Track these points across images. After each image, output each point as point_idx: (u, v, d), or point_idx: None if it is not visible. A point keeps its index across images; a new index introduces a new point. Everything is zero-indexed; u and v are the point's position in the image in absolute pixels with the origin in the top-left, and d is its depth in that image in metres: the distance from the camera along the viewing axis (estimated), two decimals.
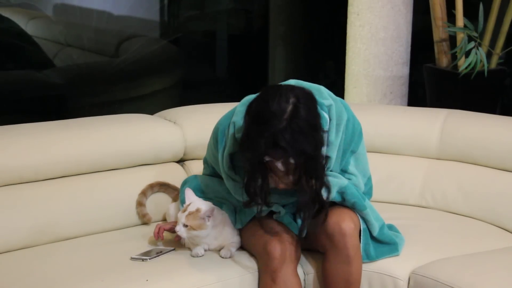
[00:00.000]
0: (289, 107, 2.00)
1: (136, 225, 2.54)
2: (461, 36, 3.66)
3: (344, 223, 2.18)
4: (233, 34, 5.24)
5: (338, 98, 2.28)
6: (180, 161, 2.74)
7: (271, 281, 2.17)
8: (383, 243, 2.30)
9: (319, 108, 2.12)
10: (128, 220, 2.52)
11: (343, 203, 2.25)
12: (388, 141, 2.80)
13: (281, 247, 2.18)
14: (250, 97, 2.19)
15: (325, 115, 2.16)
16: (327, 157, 2.18)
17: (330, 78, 4.79)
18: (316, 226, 2.24)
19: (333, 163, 2.21)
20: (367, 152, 2.78)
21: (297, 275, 2.21)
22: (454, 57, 3.75)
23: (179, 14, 5.36)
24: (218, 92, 4.85)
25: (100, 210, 2.48)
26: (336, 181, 2.21)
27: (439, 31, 3.73)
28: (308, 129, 2.01)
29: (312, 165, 2.05)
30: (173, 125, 2.70)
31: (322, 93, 2.22)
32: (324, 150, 2.15)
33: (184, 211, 2.22)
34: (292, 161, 2.01)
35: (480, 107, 3.00)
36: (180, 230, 2.20)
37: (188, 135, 2.70)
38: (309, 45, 4.97)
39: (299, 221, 2.28)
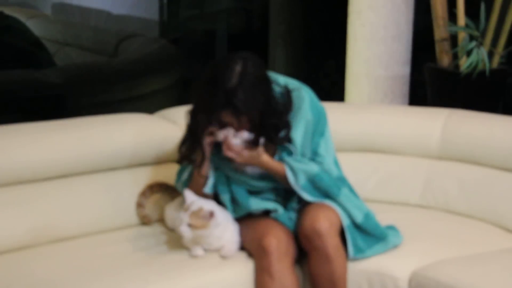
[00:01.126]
0: (238, 66, 2.15)
1: (136, 225, 2.53)
2: (462, 35, 3.66)
3: (318, 223, 2.18)
4: (233, 34, 5.24)
5: (300, 84, 2.36)
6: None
7: (268, 277, 2.17)
8: (370, 233, 2.29)
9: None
10: (128, 220, 2.51)
11: (317, 195, 2.27)
12: (389, 141, 2.80)
13: (276, 242, 2.19)
14: None
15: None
16: (290, 139, 2.27)
17: (331, 78, 4.79)
18: (297, 227, 2.27)
19: (300, 144, 2.26)
20: (368, 151, 2.82)
21: (293, 270, 2.21)
22: (455, 57, 3.75)
23: (179, 14, 5.37)
24: None
25: (99, 210, 2.47)
26: (304, 168, 2.24)
27: (440, 30, 3.73)
28: (258, 83, 2.17)
29: (266, 119, 2.19)
30: (173, 124, 2.69)
31: (277, 79, 2.31)
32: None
33: (186, 209, 2.22)
34: (244, 119, 2.16)
35: (481, 107, 3.00)
36: (184, 229, 2.20)
37: None
38: (309, 44, 4.97)
39: (293, 217, 2.30)
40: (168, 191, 2.56)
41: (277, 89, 2.27)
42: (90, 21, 6.03)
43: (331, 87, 4.71)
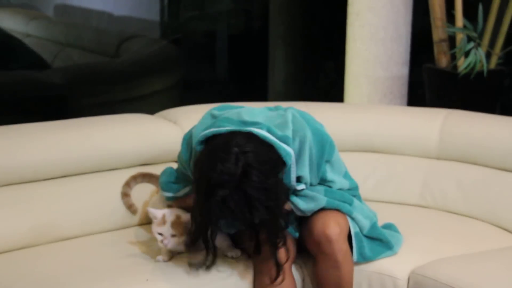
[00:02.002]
0: (237, 170, 1.97)
1: (136, 225, 2.54)
2: (460, 37, 3.66)
3: (328, 229, 2.17)
4: (233, 34, 5.24)
5: (301, 114, 2.25)
6: None
7: (268, 280, 2.17)
8: (377, 241, 2.30)
9: (281, 146, 2.10)
10: (128, 220, 2.52)
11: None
12: (388, 141, 2.80)
13: None
14: (224, 106, 2.24)
15: (288, 150, 2.13)
16: (300, 177, 2.19)
17: (330, 78, 4.80)
18: (305, 231, 2.26)
19: (308, 179, 2.21)
20: (367, 151, 2.82)
21: (291, 274, 2.22)
22: (453, 57, 3.75)
23: (179, 14, 5.36)
24: (218, 92, 4.85)
25: (100, 210, 2.48)
26: (313, 207, 2.21)
27: (439, 31, 3.74)
28: (258, 194, 1.98)
29: (266, 225, 2.04)
30: (173, 125, 2.70)
31: (287, 124, 2.18)
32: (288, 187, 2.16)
33: (163, 223, 2.18)
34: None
35: (479, 107, 3.00)
36: (170, 242, 2.17)
37: None
38: (309, 45, 4.98)
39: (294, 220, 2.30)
40: (152, 180, 2.56)
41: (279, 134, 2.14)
42: (92, 22, 6.03)
43: (331, 87, 4.71)
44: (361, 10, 3.45)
